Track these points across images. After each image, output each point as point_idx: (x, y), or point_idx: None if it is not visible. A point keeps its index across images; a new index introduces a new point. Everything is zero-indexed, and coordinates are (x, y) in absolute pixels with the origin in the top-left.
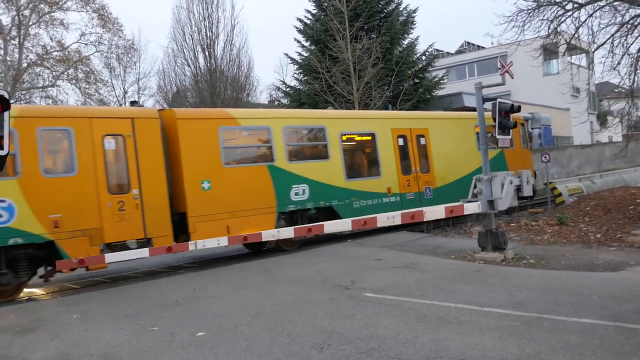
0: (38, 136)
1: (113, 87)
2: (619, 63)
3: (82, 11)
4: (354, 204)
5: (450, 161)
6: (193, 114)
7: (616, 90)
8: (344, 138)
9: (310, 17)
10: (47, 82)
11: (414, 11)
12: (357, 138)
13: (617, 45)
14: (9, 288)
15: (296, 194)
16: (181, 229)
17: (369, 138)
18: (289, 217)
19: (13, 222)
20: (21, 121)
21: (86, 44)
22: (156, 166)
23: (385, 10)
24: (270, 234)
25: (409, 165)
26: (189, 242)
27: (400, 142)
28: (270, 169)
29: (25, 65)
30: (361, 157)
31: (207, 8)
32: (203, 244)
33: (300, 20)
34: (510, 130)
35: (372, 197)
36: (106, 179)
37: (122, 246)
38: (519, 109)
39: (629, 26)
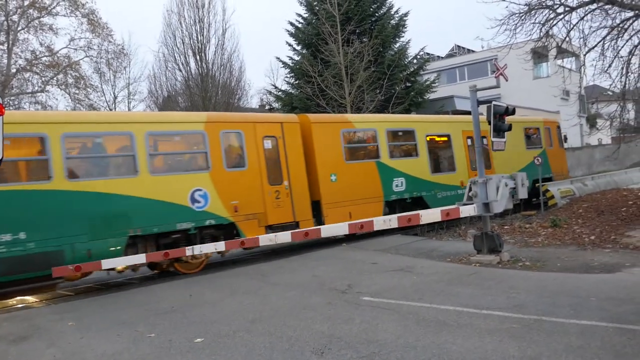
0: (221, 137)
1: (103, 92)
2: (609, 66)
3: (72, 16)
4: (438, 195)
5: (506, 159)
6: (322, 118)
7: (605, 94)
8: (428, 139)
9: (301, 20)
10: (36, 88)
11: (405, 15)
12: (437, 139)
13: (607, 48)
14: (197, 262)
15: (396, 185)
16: (314, 215)
17: (446, 139)
18: (390, 205)
19: (208, 206)
20: (209, 125)
21: (75, 49)
22: (298, 162)
23: (377, 14)
24: (267, 239)
25: (475, 162)
26: (185, 248)
27: (469, 142)
28: (377, 165)
29: (14, 70)
30: (440, 155)
31: (198, 12)
32: (198, 249)
33: (291, 23)
34: (505, 134)
35: (450, 189)
36: (266, 172)
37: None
38: (513, 112)
39: (619, 29)
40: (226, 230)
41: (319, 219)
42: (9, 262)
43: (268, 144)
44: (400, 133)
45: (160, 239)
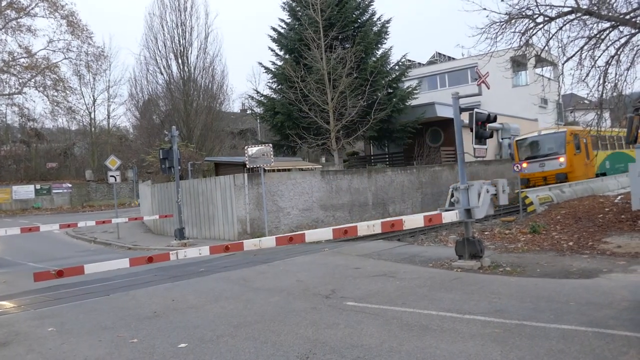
0: None
1: (82, 94)
2: (587, 75)
3: (51, 17)
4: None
5: None
6: None
7: (582, 102)
8: None
9: (284, 26)
10: (13, 90)
11: (388, 22)
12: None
13: (585, 58)
14: None
15: None
16: None
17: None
18: None
19: None
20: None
21: (54, 51)
22: None
23: (360, 20)
24: (251, 244)
25: None
26: (169, 253)
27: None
28: None
29: None
30: None
31: (181, 15)
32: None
33: (274, 29)
34: (487, 140)
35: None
36: None
37: None
38: (495, 119)
39: (596, 39)
40: None
41: None
42: None
43: None
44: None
45: None
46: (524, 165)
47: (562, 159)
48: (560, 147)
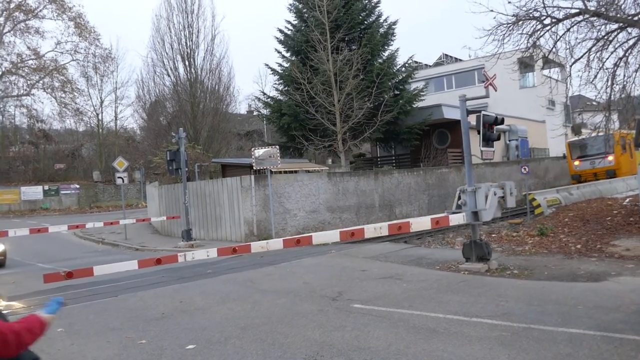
0: None
1: (90, 96)
2: (595, 77)
3: (58, 19)
4: None
5: None
6: None
7: (588, 104)
8: None
9: (291, 27)
10: (21, 91)
11: (394, 23)
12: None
13: (593, 60)
14: None
15: None
16: None
17: None
18: None
19: None
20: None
21: (62, 53)
22: None
23: (366, 22)
24: (259, 246)
25: None
26: (178, 255)
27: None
28: None
29: None
30: None
31: (188, 18)
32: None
33: (281, 30)
34: (494, 142)
35: None
36: None
37: None
38: (502, 122)
39: (604, 41)
40: None
41: None
42: None
43: None
44: None
45: None
46: (576, 163)
47: (610, 158)
48: (609, 147)
